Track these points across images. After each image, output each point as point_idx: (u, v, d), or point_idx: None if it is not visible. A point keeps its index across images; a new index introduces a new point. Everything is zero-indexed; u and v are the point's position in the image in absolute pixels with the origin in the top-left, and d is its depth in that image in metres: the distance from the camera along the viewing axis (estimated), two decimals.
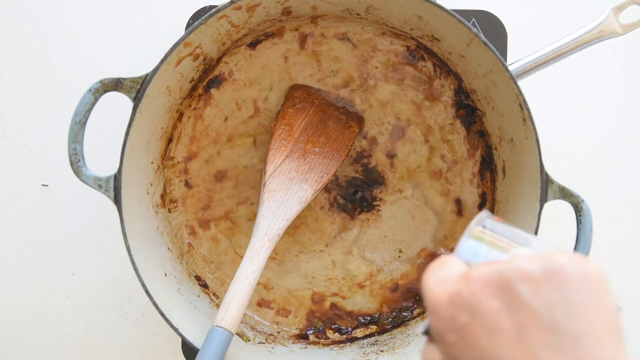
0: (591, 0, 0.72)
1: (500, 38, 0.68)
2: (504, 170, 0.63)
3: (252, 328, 0.65)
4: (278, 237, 0.60)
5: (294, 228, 0.67)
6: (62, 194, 0.72)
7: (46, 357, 0.72)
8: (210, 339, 0.53)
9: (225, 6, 0.54)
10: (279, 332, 0.66)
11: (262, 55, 0.66)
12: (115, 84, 0.53)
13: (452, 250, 0.67)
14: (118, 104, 0.61)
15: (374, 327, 0.67)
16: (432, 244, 0.67)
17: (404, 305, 0.67)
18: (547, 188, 0.53)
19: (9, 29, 0.72)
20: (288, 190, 0.63)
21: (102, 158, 0.68)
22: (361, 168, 0.67)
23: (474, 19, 0.68)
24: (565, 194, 0.53)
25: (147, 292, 0.55)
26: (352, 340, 0.66)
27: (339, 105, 0.66)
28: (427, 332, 0.34)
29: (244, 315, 0.66)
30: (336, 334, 0.67)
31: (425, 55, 0.66)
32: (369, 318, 0.67)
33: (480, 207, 0.66)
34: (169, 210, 0.66)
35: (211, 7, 0.69)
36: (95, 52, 0.72)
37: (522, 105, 0.54)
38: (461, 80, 0.65)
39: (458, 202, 0.67)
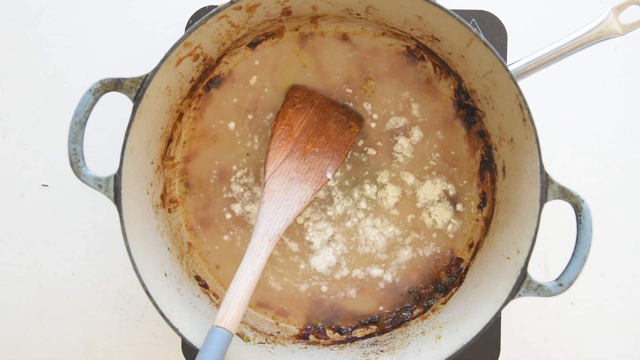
0: (591, 0, 0.72)
1: (500, 38, 0.68)
2: (504, 170, 0.63)
3: (252, 328, 0.65)
4: (278, 237, 0.60)
5: (294, 228, 0.67)
6: (62, 194, 0.72)
7: (46, 357, 0.72)
8: (210, 339, 0.53)
9: (225, 6, 0.54)
10: (279, 332, 0.66)
11: (262, 55, 0.66)
12: (115, 84, 0.53)
13: (451, 249, 0.67)
14: (118, 104, 0.61)
15: (374, 327, 0.67)
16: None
17: (404, 305, 0.67)
18: (547, 188, 0.53)
19: (9, 29, 0.72)
20: (288, 190, 0.63)
21: (102, 158, 0.68)
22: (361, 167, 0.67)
23: (474, 19, 0.68)
24: (565, 194, 0.53)
25: (147, 292, 0.55)
26: (352, 340, 0.66)
27: (339, 105, 0.66)
28: None
29: (244, 315, 0.66)
30: (336, 334, 0.67)
31: (425, 56, 0.66)
32: (369, 318, 0.67)
33: (480, 207, 0.66)
34: (169, 210, 0.66)
35: (211, 7, 0.69)
36: (95, 52, 0.72)
37: (522, 105, 0.54)
38: (461, 80, 0.65)
39: (457, 202, 0.67)
